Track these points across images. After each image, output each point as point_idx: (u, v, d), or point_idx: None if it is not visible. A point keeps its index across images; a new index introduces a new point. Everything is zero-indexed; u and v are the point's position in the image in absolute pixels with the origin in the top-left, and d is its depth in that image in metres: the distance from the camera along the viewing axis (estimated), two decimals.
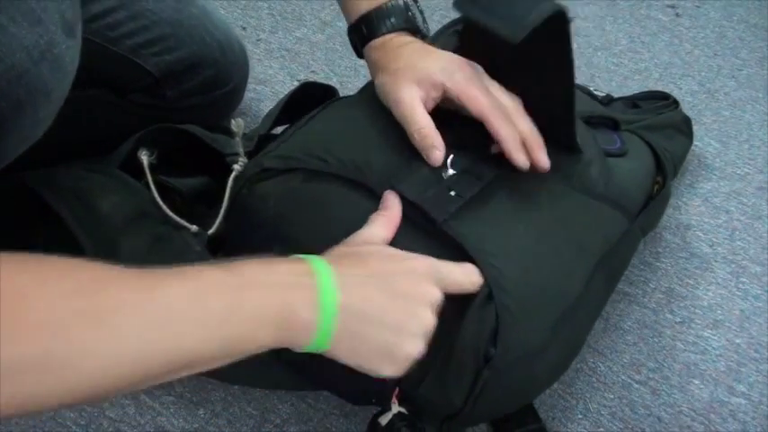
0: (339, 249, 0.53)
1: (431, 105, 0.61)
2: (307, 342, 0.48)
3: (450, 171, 0.60)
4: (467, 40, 0.64)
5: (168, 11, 0.82)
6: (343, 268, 0.49)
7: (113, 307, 0.40)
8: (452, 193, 0.58)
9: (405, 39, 0.65)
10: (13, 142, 0.52)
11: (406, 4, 0.66)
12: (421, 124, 0.59)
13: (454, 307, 0.58)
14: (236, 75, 0.90)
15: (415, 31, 0.67)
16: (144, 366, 0.41)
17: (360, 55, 0.69)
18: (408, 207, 0.58)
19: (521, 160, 0.59)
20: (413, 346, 0.50)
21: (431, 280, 0.52)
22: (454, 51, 0.64)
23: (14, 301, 0.37)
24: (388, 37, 0.65)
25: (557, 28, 0.55)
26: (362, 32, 0.66)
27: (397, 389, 0.60)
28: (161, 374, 0.42)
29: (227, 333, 0.44)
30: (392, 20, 0.65)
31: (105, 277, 0.41)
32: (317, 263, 0.49)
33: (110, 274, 0.41)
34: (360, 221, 0.58)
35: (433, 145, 0.59)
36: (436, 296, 0.52)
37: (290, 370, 0.67)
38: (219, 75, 0.87)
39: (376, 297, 0.49)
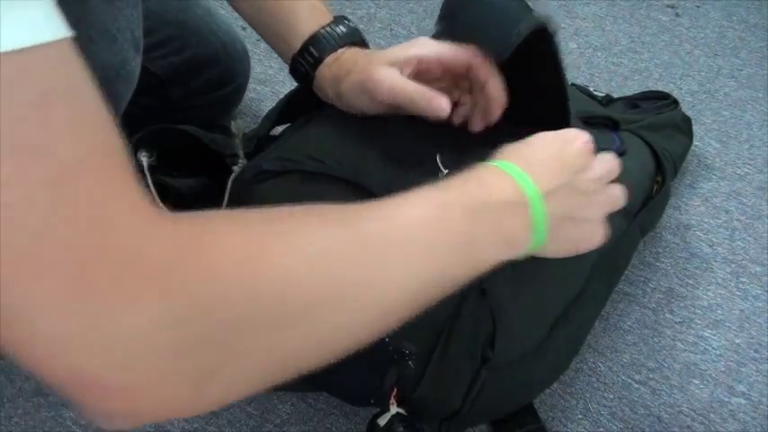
0: (526, 152, 0.53)
1: None
2: (519, 254, 0.50)
3: (446, 171, 0.61)
4: None
5: (173, 12, 0.83)
6: (539, 179, 0.50)
7: (380, 243, 0.40)
8: None
9: (357, 49, 0.65)
10: None
11: (343, 17, 0.67)
12: (411, 88, 0.58)
13: (449, 307, 0.58)
14: (238, 74, 0.90)
15: (363, 44, 0.67)
16: (410, 296, 0.42)
17: (309, 83, 0.67)
18: None
19: (500, 98, 0.60)
20: (598, 227, 0.56)
21: (592, 161, 0.54)
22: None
23: (256, 258, 0.35)
24: (340, 51, 0.64)
25: (542, 41, 0.55)
26: (312, 54, 0.65)
27: (396, 389, 0.60)
28: (421, 303, 0.43)
29: (468, 255, 0.46)
30: (339, 30, 0.65)
31: (354, 217, 0.41)
32: (521, 179, 0.50)
33: (361, 212, 0.42)
34: None
35: (434, 96, 0.58)
36: (601, 174, 0.54)
37: None
38: (223, 74, 0.88)
39: (567, 199, 0.52)
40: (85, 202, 0.30)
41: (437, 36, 0.59)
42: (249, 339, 0.34)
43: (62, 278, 0.29)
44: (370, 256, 0.40)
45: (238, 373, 0.34)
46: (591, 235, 0.55)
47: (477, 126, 0.63)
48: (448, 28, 0.58)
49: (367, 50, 0.65)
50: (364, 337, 0.40)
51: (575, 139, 0.54)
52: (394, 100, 0.59)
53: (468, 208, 0.46)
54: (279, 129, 0.76)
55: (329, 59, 0.64)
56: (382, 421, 0.60)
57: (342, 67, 0.63)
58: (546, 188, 0.50)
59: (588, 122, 0.77)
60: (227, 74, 0.88)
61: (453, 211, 0.45)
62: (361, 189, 0.60)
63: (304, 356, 0.38)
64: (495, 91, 0.60)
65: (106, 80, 0.50)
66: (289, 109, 0.75)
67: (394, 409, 0.60)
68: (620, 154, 0.76)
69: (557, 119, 0.64)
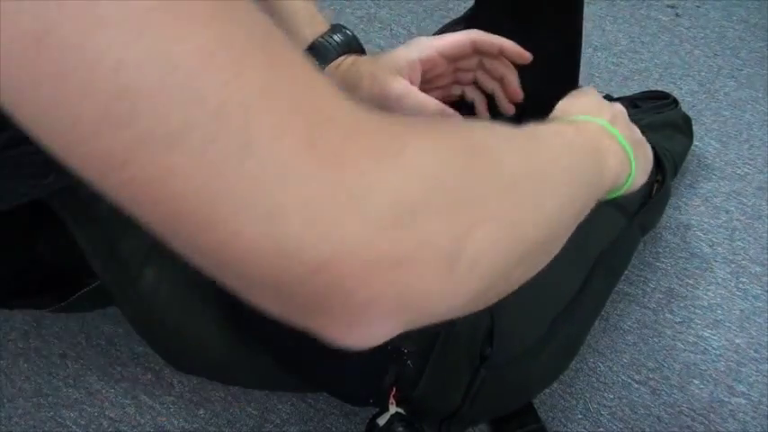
0: (566, 108, 0.55)
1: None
2: (625, 179, 0.53)
3: None
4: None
5: None
6: (597, 115, 0.53)
7: (549, 161, 0.42)
8: None
9: (356, 57, 0.65)
10: None
11: (340, 25, 0.67)
12: (433, 105, 0.61)
13: None
14: None
15: (361, 51, 0.67)
16: (577, 192, 0.44)
17: None
18: None
19: (517, 91, 0.64)
20: (648, 147, 0.59)
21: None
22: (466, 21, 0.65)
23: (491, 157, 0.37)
24: (340, 59, 0.65)
25: None
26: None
27: (395, 389, 0.60)
28: (581, 206, 0.45)
29: (597, 161, 0.49)
30: (338, 38, 0.65)
31: (535, 141, 0.43)
32: (586, 117, 0.52)
33: (535, 137, 0.44)
34: None
35: (453, 114, 0.61)
36: (621, 106, 0.57)
37: (290, 372, 0.67)
38: None
39: (622, 126, 0.54)
40: (297, 69, 0.28)
41: None
42: (481, 203, 0.34)
43: (300, 138, 0.27)
44: (541, 147, 0.43)
45: (481, 240, 0.33)
46: (649, 154, 0.59)
47: (485, 117, 0.66)
48: None
49: (366, 58, 0.65)
50: (558, 218, 0.42)
51: (587, 89, 0.57)
52: (416, 114, 0.61)
53: (572, 124, 0.49)
54: None
55: (330, 68, 0.65)
56: (382, 421, 0.60)
57: (346, 77, 0.64)
58: (606, 120, 0.53)
59: None
60: None
61: (565, 128, 0.48)
62: None
63: (525, 226, 0.38)
64: (513, 84, 0.63)
65: None
66: None
67: (393, 409, 0.60)
68: None
69: (567, 71, 0.64)
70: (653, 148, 0.80)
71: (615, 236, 0.68)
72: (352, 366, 0.61)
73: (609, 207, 0.68)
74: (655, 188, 0.79)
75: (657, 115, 0.88)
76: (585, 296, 0.64)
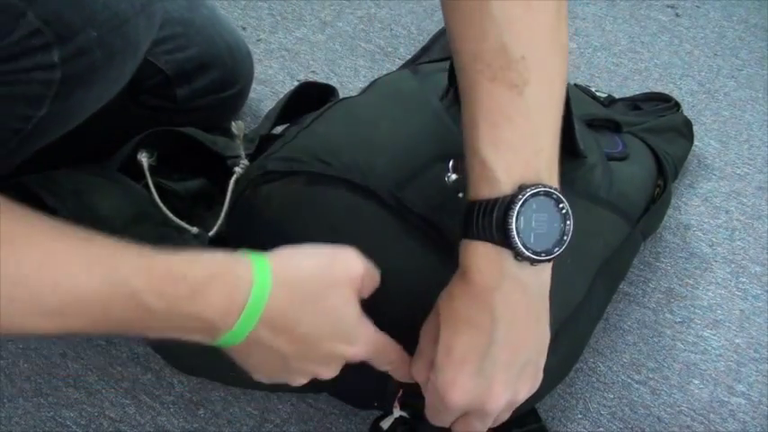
0: (293, 285, 0.49)
1: None
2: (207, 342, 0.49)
3: (453, 175, 0.60)
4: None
5: (180, 10, 0.83)
6: (264, 330, 0.49)
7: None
8: (461, 194, 0.58)
9: None
10: (96, 95, 0.52)
11: None
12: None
13: None
14: (242, 77, 0.91)
15: None
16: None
17: None
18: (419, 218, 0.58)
19: None
20: (298, 380, 0.54)
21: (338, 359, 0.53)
22: (446, 89, 0.64)
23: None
24: None
25: None
26: None
27: (400, 393, 0.60)
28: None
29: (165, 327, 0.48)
30: None
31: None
32: (252, 308, 0.47)
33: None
34: (362, 224, 0.58)
35: None
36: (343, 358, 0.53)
37: None
38: (227, 76, 0.88)
39: (282, 349, 0.51)
40: None
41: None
42: None
43: None
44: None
45: None
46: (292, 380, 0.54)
47: None
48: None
49: None
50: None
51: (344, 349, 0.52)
52: None
53: (163, 317, 0.46)
54: (277, 129, 0.76)
55: None
56: (385, 424, 0.60)
57: None
58: (261, 331, 0.48)
59: (591, 125, 0.77)
60: (231, 76, 0.89)
61: (148, 315, 0.46)
62: (368, 192, 0.59)
63: None
64: None
65: (131, 12, 0.50)
66: (289, 108, 0.75)
67: (397, 413, 0.60)
68: (623, 158, 0.76)
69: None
70: (654, 152, 0.80)
71: (619, 243, 0.68)
72: (360, 370, 0.61)
73: (613, 214, 0.68)
74: (656, 193, 0.79)
75: (659, 119, 0.87)
76: (588, 304, 0.64)
